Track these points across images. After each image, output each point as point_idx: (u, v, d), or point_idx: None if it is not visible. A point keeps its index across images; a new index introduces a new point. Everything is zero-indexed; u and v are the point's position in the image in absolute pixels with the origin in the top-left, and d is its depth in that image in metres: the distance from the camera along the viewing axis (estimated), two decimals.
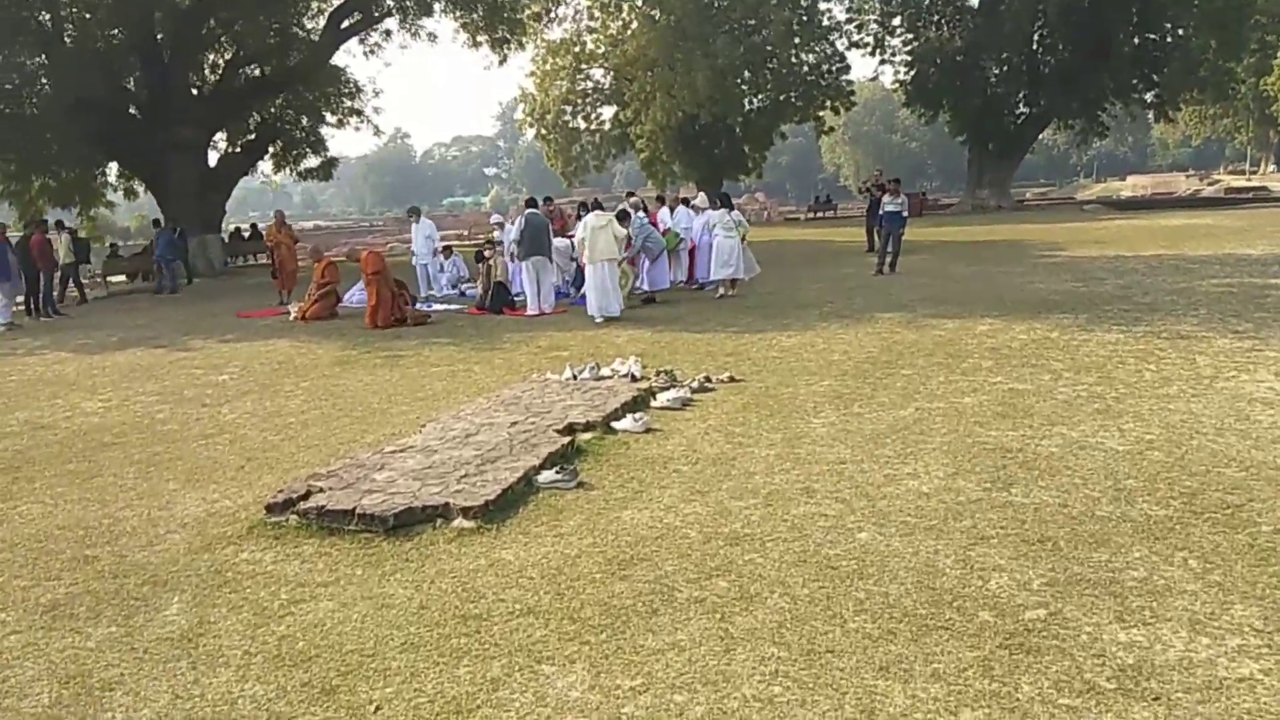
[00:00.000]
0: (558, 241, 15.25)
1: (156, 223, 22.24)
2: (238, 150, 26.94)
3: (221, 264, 24.98)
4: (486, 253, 14.49)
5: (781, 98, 44.93)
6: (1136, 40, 38.40)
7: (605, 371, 8.33)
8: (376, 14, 25.12)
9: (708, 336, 10.57)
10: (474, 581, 4.06)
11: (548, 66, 46.89)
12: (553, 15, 45.00)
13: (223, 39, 24.17)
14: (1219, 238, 19.75)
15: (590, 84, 47.92)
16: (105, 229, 50.74)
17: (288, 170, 28.37)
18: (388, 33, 26.73)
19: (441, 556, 4.36)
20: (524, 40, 28.71)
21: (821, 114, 46.89)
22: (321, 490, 5.02)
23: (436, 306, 14.83)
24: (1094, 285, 13.04)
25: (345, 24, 25.50)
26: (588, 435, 6.26)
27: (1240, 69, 41.19)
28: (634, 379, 7.90)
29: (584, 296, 14.09)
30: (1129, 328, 9.51)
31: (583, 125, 48.62)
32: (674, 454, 5.89)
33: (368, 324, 12.73)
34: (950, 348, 8.97)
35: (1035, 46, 40.75)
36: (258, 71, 25.28)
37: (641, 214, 14.48)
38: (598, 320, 12.37)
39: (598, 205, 13.15)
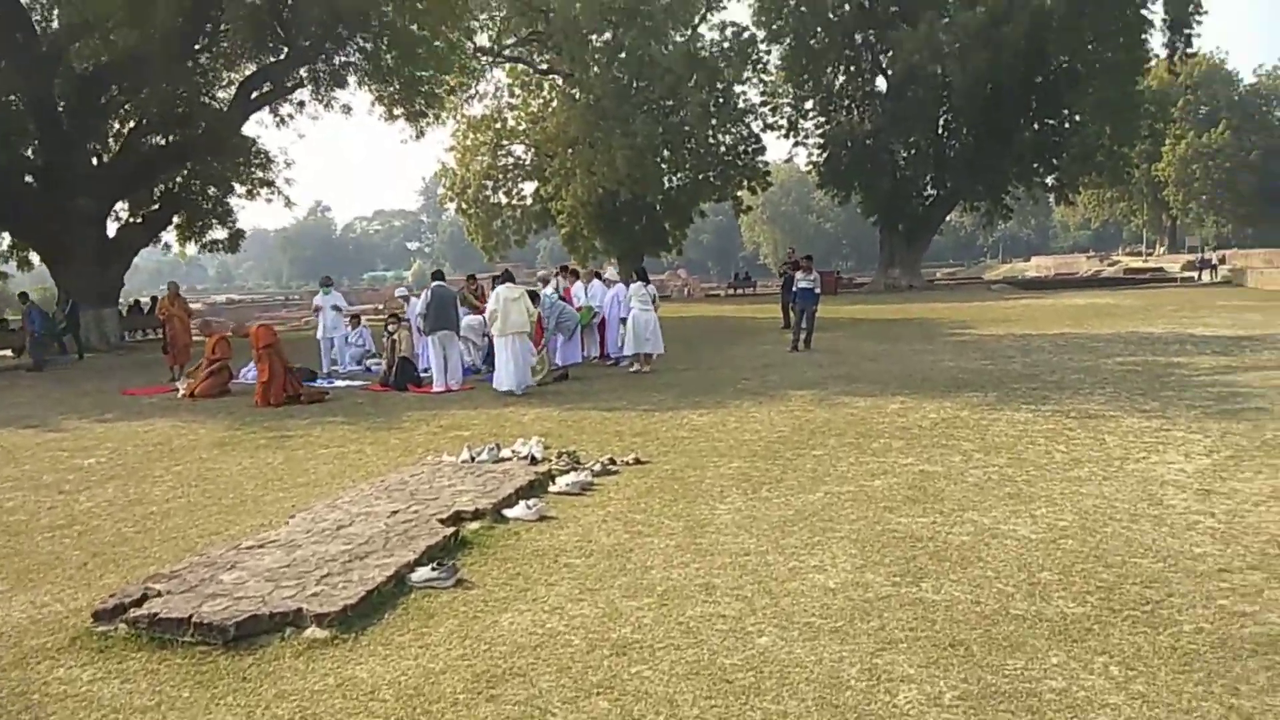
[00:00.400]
0: (470, 318, 14.84)
1: (23, 296, 21.14)
2: (139, 221, 25.96)
3: (118, 338, 23.83)
4: (390, 327, 13.96)
5: (700, 177, 45.68)
6: (1036, 126, 40.20)
7: (505, 453, 7.87)
8: (288, 84, 24.71)
9: (617, 414, 10.19)
10: (316, 706, 3.53)
11: (468, 141, 46.97)
12: (472, 91, 45.44)
13: (126, 107, 23.41)
14: (1121, 316, 20.32)
15: (511, 160, 48.11)
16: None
17: (192, 242, 27.42)
18: (300, 104, 26.28)
19: (285, 674, 3.81)
20: (441, 115, 28.48)
21: (740, 193, 47.83)
22: (159, 594, 4.43)
23: (338, 383, 14.19)
24: (1002, 363, 13.11)
25: (255, 94, 25.02)
26: (475, 525, 5.77)
27: (1134, 154, 43.33)
28: (533, 461, 7.46)
29: (493, 373, 13.69)
30: (1038, 406, 9.45)
31: (504, 200, 48.64)
32: (567, 545, 5.44)
33: (258, 401, 12.03)
34: (861, 426, 8.75)
35: (941, 131, 42.32)
36: (162, 140, 24.51)
37: (550, 291, 14.16)
38: (502, 391, 12.01)
39: (509, 277, 12.80)
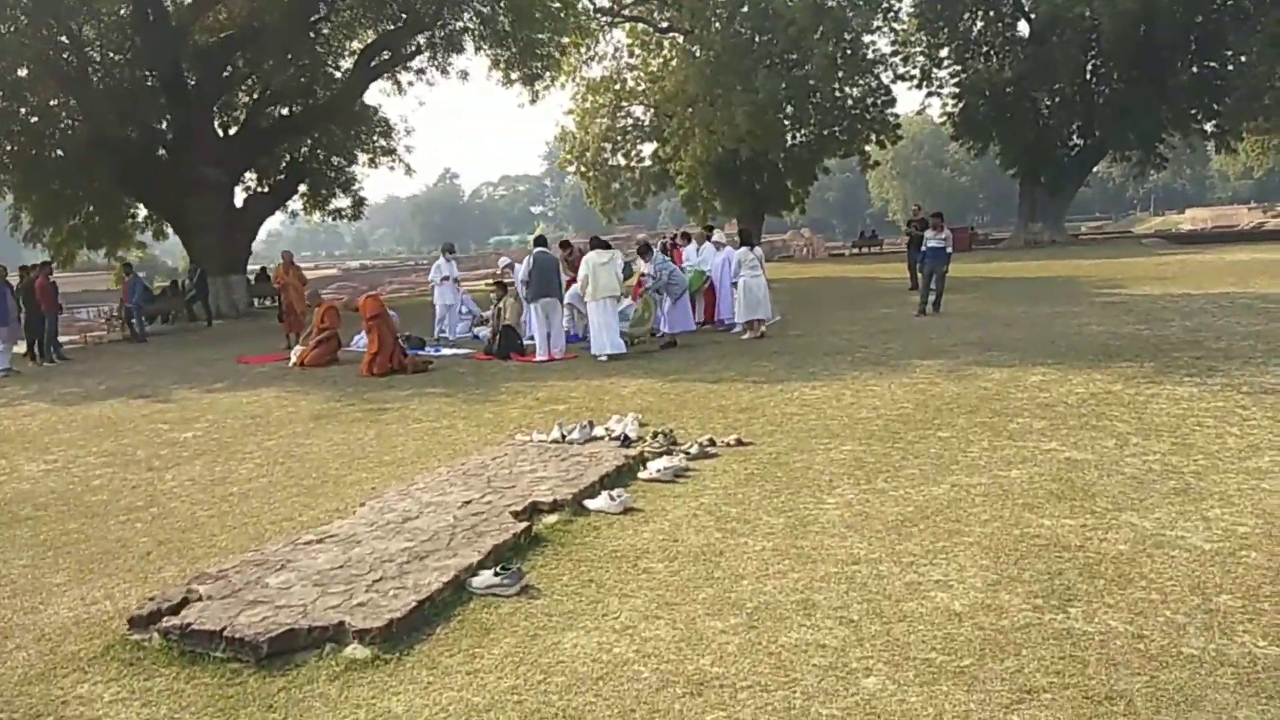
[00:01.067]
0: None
1: (127, 267, 21.65)
2: (265, 190, 26.59)
3: (246, 305, 24.52)
4: (495, 294, 13.61)
5: (825, 132, 43.95)
6: (1195, 68, 36.87)
7: (598, 431, 7.34)
8: (406, 51, 24.69)
9: (724, 387, 9.52)
10: None
11: (587, 104, 46.58)
12: (591, 53, 44.90)
13: (250, 79, 23.85)
14: None
15: (630, 121, 47.51)
16: (150, 269, 51.23)
17: (317, 211, 27.97)
18: (420, 70, 26.28)
19: (314, 703, 3.35)
20: (557, 78, 27.95)
21: (867, 148, 45.89)
22: (200, 598, 4.07)
23: (445, 351, 13.97)
24: (1159, 328, 11.76)
25: (374, 63, 25.11)
26: (553, 518, 5.24)
27: None
28: (626, 442, 6.88)
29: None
30: (1203, 380, 8.28)
31: (622, 162, 48.16)
32: (650, 545, 4.84)
33: (363, 371, 11.89)
34: (996, 403, 7.82)
35: (1089, 76, 39.34)
36: (285, 111, 24.96)
37: (660, 252, 13.53)
38: (601, 359, 11.62)
39: (600, 244, 12.35)
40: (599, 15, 44.17)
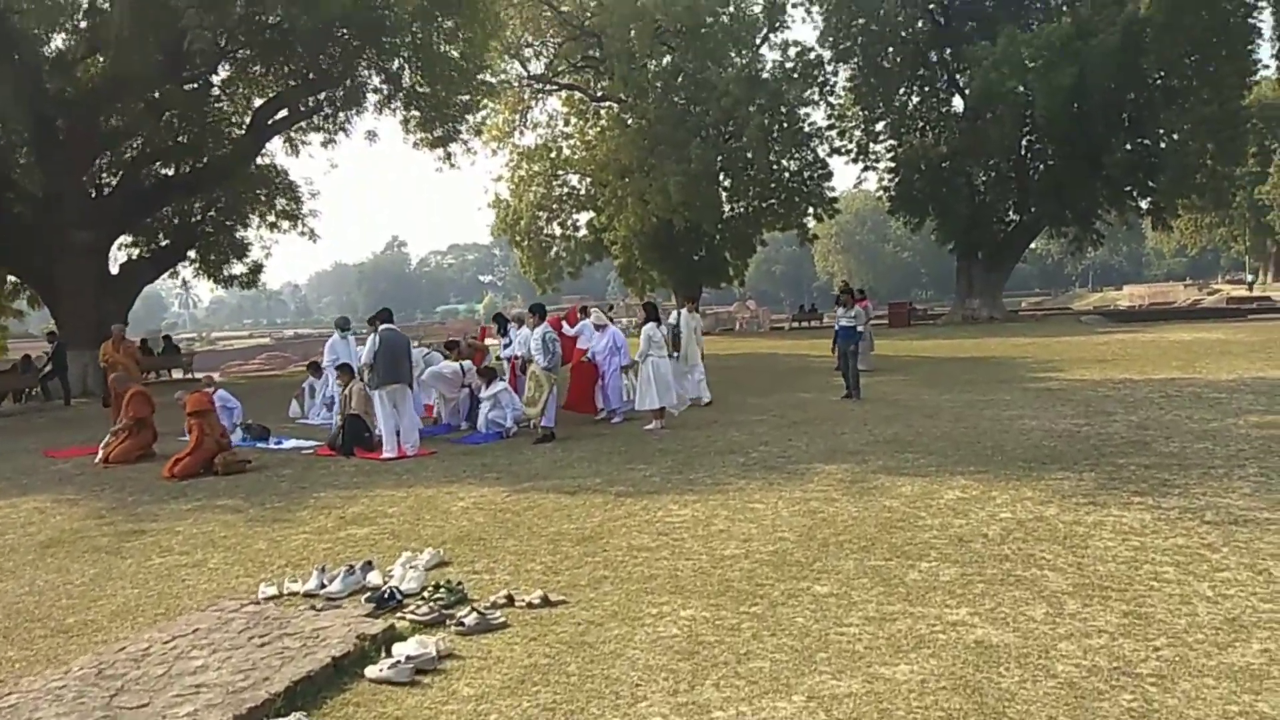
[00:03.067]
0: (443, 365, 12.61)
1: (51, 335, 19.54)
2: (148, 255, 24.53)
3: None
4: (338, 380, 11.76)
5: (764, 204, 43.19)
6: (1129, 146, 36.63)
7: (373, 577, 5.49)
8: (303, 109, 23.07)
9: (577, 501, 7.72)
10: None
11: (522, 172, 45.43)
12: (524, 120, 43.90)
13: (131, 136, 21.95)
14: (1238, 356, 17.09)
15: (566, 189, 46.40)
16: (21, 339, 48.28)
17: (207, 278, 25.95)
18: (320, 130, 24.61)
19: None
20: (481, 143, 26.46)
21: (805, 221, 45.17)
22: None
23: (287, 443, 12.02)
24: (1101, 423, 10.25)
25: (271, 121, 23.45)
26: None
27: (1238, 175, 39.37)
28: (387, 602, 5.03)
29: (475, 432, 11.55)
30: (1157, 501, 6.68)
31: (558, 231, 46.90)
32: None
33: (164, 473, 9.90)
34: (899, 535, 6.13)
35: (1024, 153, 39.05)
36: (170, 171, 23.09)
37: (517, 327, 11.82)
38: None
39: (540, 310, 11.31)
40: (532, 82, 43.35)
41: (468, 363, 12.74)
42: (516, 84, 43.00)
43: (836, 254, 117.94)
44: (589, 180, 44.81)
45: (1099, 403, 11.95)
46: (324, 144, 26.67)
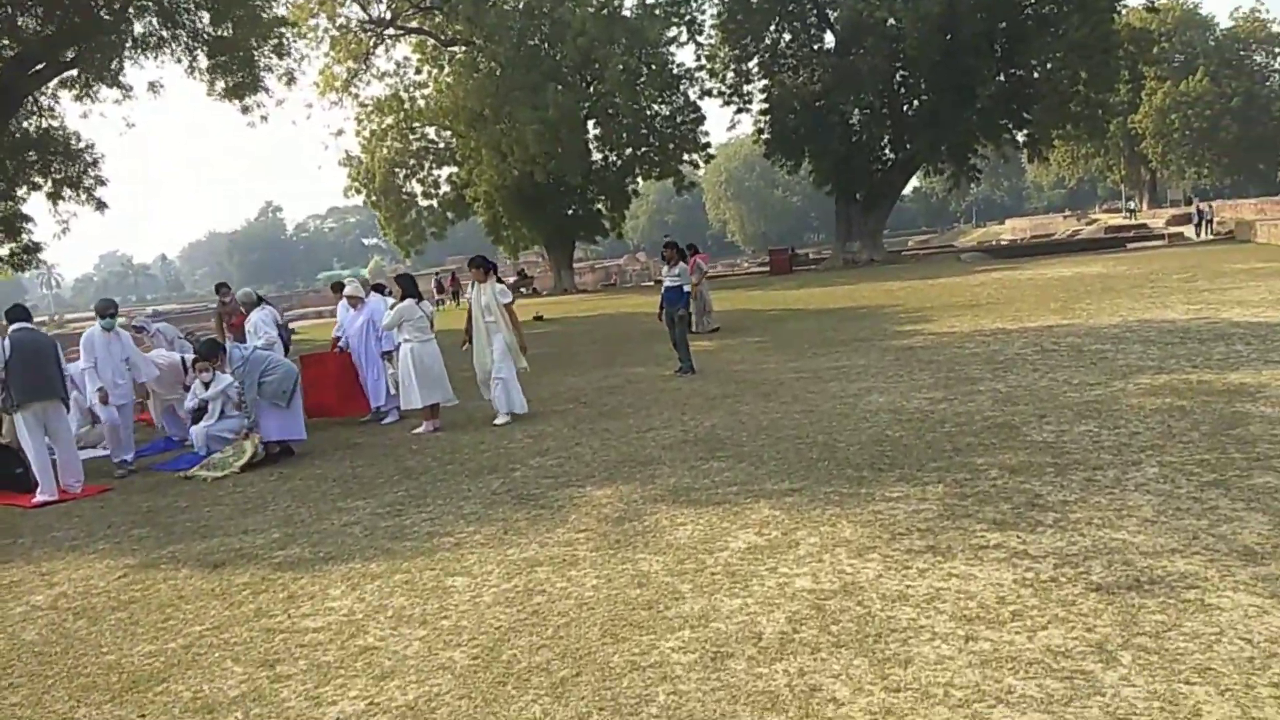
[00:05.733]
0: (155, 354, 9.93)
1: None
2: None
3: None
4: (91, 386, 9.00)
5: (637, 151, 40.75)
6: (1002, 77, 35.40)
7: None
8: (63, 61, 19.49)
9: (209, 583, 5.27)
10: None
11: (373, 126, 41.86)
12: (367, 69, 40.25)
13: None
14: (1121, 294, 15.54)
15: (424, 143, 43.02)
16: None
17: None
18: (84, 83, 21.03)
19: None
20: (271, 93, 23.14)
21: (681, 168, 42.95)
22: None
23: None
24: (962, 397, 8.25)
25: (31, 72, 19.79)
26: None
27: (1111, 102, 38.61)
28: None
29: (189, 453, 8.95)
30: (1022, 538, 4.60)
31: (418, 189, 43.58)
32: None
33: None
34: (631, 640, 3.88)
35: (897, 88, 37.52)
36: None
37: (238, 347, 9.09)
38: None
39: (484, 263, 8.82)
40: (374, 26, 39.70)
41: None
42: (356, 29, 39.34)
43: (727, 201, 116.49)
44: (448, 133, 41.61)
45: (963, 365, 10.00)
46: (117, 101, 22.99)
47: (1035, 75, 35.10)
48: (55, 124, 23.65)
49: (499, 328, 9.27)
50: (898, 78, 37.14)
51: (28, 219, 22.89)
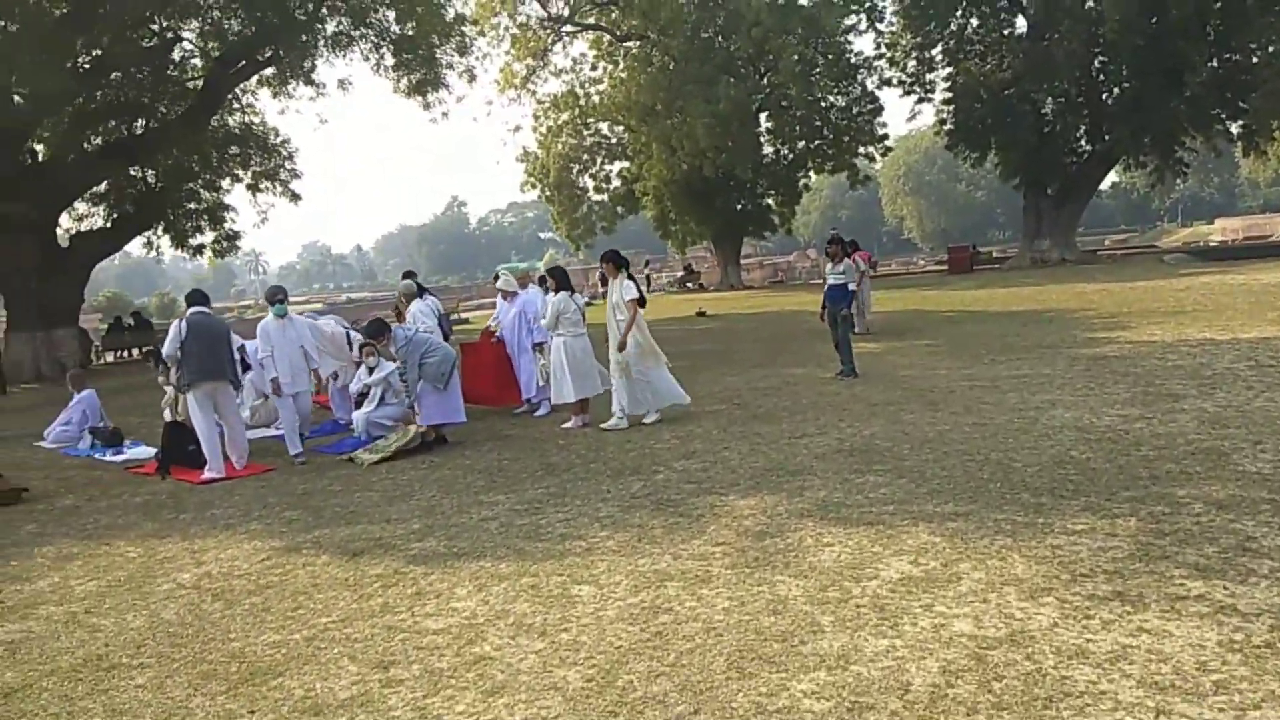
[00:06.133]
0: (323, 320, 10.28)
1: None
2: (108, 225, 22.61)
3: (79, 363, 20.49)
4: (160, 379, 9.46)
5: (811, 145, 39.80)
6: (1215, 62, 32.26)
7: None
8: (260, 59, 20.70)
9: (344, 573, 5.24)
10: None
11: (550, 122, 42.72)
12: (545, 65, 41.07)
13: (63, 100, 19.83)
14: None
15: (597, 139, 43.56)
16: None
17: (178, 247, 23.95)
18: (283, 80, 22.29)
19: None
20: (450, 89, 23.79)
21: (855, 161, 41.66)
22: None
23: (130, 454, 9.79)
24: (1162, 415, 7.35)
25: (232, 71, 21.17)
26: None
27: None
28: None
29: (350, 437, 9.23)
30: (1230, 590, 3.91)
31: (590, 184, 44.18)
32: None
33: None
34: (759, 678, 3.50)
35: (1095, 75, 34.89)
36: (122, 134, 20.96)
37: (403, 328, 9.23)
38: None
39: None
40: (553, 24, 40.44)
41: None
42: (536, 26, 40.19)
43: (905, 196, 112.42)
44: (621, 128, 41.97)
45: (1165, 379, 8.97)
46: (311, 98, 24.30)
47: (1254, 59, 31.77)
48: (256, 120, 25.29)
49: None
50: (1096, 63, 34.52)
51: (228, 209, 24.58)
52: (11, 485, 7.92)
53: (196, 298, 8.57)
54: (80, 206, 22.59)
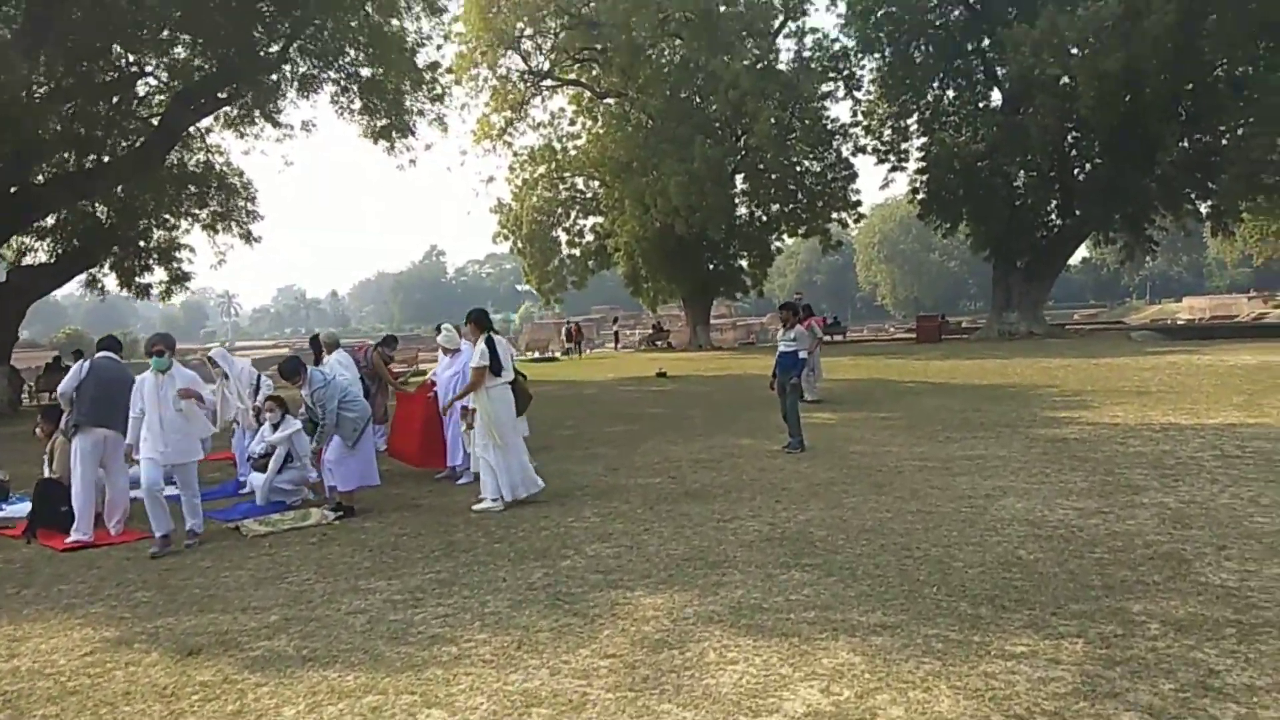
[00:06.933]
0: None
1: None
2: (53, 261, 21.79)
3: (8, 402, 19.56)
4: (36, 430, 8.68)
5: (785, 208, 39.71)
6: (1186, 143, 32.55)
7: None
8: (220, 96, 20.19)
9: (177, 672, 4.50)
10: None
11: (525, 175, 42.47)
12: (523, 118, 40.96)
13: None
14: None
15: (572, 193, 43.32)
16: None
17: (123, 287, 23.11)
18: (242, 119, 21.77)
19: None
20: (414, 136, 23.31)
21: (829, 227, 41.64)
22: None
23: (8, 508, 8.91)
24: (1118, 512, 6.76)
25: (193, 106, 20.63)
26: None
27: None
28: None
29: (245, 502, 8.46)
30: None
31: (563, 237, 43.83)
32: None
33: None
34: None
35: (1068, 150, 35.15)
36: (70, 168, 20.28)
37: (321, 370, 8.55)
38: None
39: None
40: (531, 77, 40.42)
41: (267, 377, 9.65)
42: (516, 79, 40.14)
43: (879, 263, 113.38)
44: (596, 182, 41.81)
45: (1125, 467, 8.41)
46: (278, 139, 23.69)
47: (1224, 141, 32.10)
48: (220, 159, 24.71)
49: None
50: (1069, 139, 34.81)
51: (181, 248, 23.83)
52: None
53: (107, 343, 7.96)
54: (22, 240, 21.78)
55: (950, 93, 37.84)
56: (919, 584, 5.29)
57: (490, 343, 8.09)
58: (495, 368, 8.03)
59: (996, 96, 37.09)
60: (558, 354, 43.11)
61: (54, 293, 35.52)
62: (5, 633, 5.27)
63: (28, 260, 21.68)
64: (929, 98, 37.51)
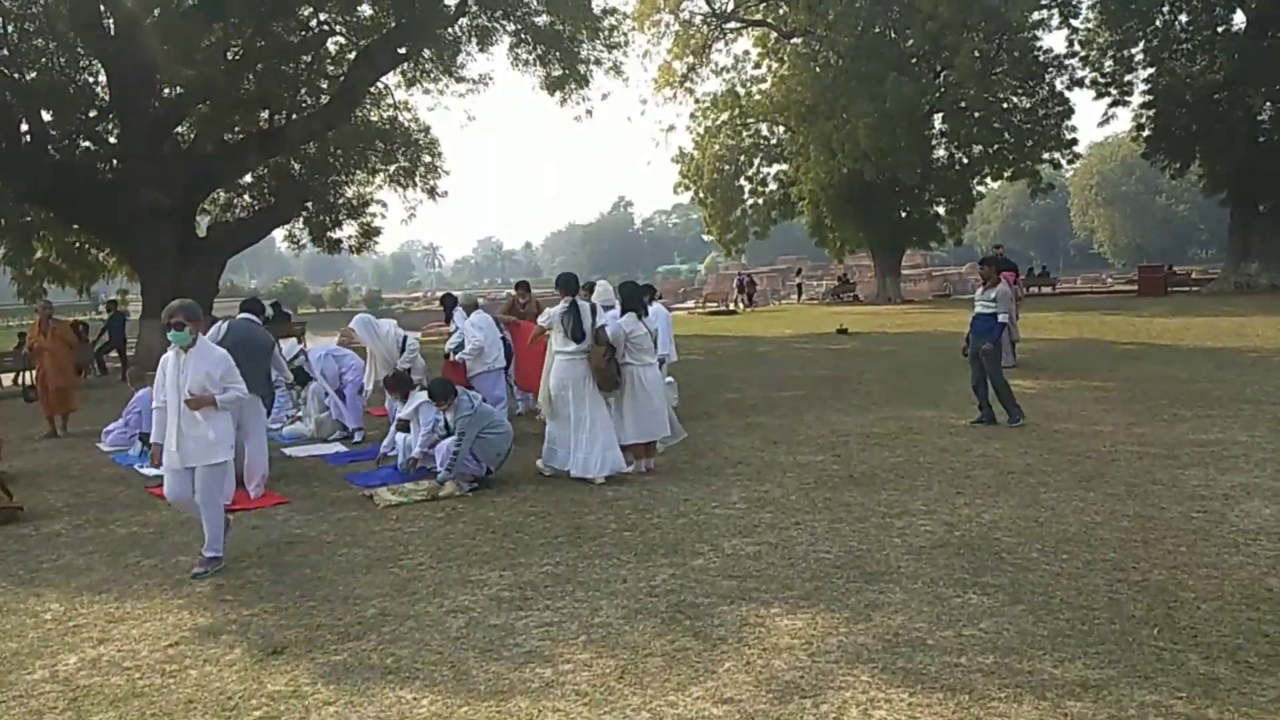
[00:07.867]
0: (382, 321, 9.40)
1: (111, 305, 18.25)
2: (246, 216, 22.85)
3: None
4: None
5: (989, 149, 36.69)
6: None
7: None
8: (400, 52, 20.31)
9: (249, 679, 4.07)
10: None
11: (708, 122, 41.39)
12: (708, 63, 39.69)
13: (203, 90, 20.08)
14: None
15: (755, 140, 41.86)
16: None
17: (314, 242, 23.95)
18: (424, 75, 21.93)
19: None
20: (588, 85, 22.69)
21: (1039, 168, 38.29)
22: None
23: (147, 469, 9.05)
24: None
25: (367, 69, 20.95)
26: None
27: None
28: None
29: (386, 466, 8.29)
30: None
31: (745, 186, 42.50)
32: None
33: None
34: None
35: None
36: (265, 125, 21.03)
37: (471, 396, 8.02)
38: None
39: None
40: (715, 19, 39.05)
41: (415, 335, 9.46)
42: (699, 23, 38.90)
43: (1097, 208, 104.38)
44: (780, 128, 40.16)
45: None
46: (461, 95, 23.73)
47: None
48: (406, 114, 25.19)
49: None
50: None
51: (372, 203, 24.53)
52: (6, 504, 7.23)
53: (249, 305, 7.86)
54: (221, 196, 22.97)
55: (1183, 17, 33.69)
56: (1134, 623, 4.16)
57: (574, 308, 7.42)
58: (576, 334, 7.35)
59: (1239, 19, 32.65)
60: (735, 307, 41.99)
61: (280, 244, 38.11)
62: (107, 611, 5.05)
63: (228, 217, 22.86)
64: (1157, 23, 33.54)
